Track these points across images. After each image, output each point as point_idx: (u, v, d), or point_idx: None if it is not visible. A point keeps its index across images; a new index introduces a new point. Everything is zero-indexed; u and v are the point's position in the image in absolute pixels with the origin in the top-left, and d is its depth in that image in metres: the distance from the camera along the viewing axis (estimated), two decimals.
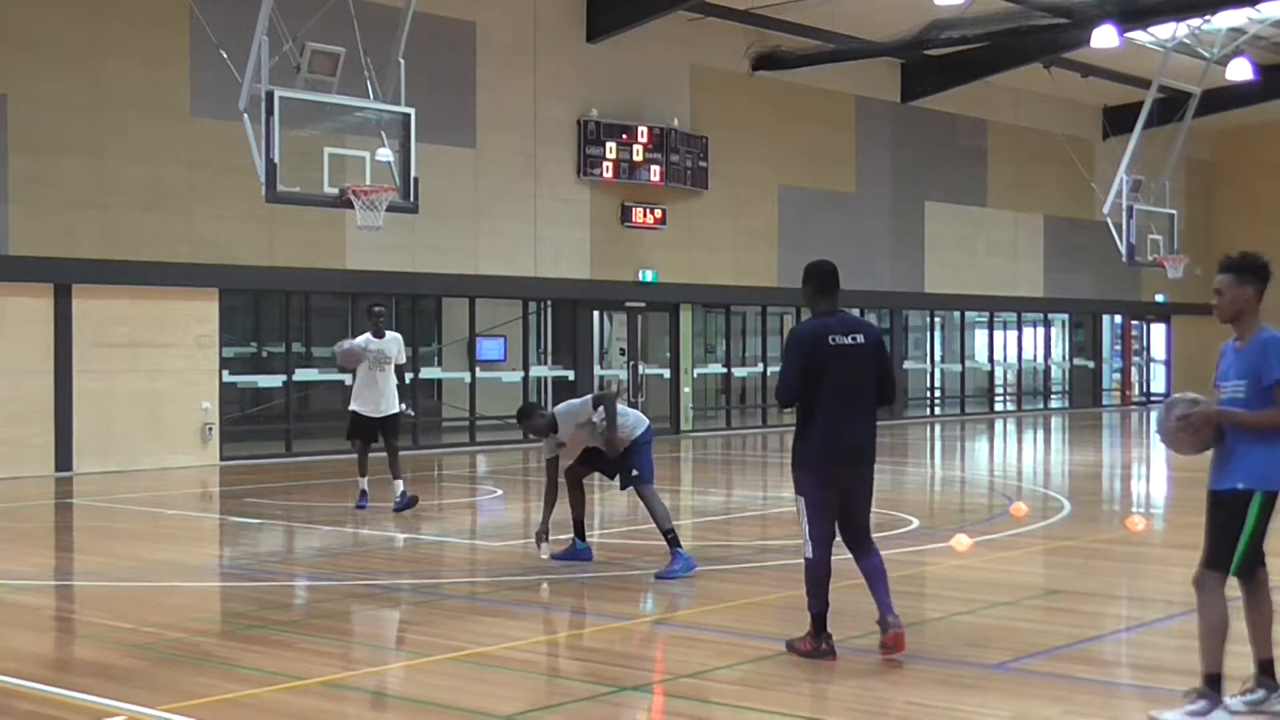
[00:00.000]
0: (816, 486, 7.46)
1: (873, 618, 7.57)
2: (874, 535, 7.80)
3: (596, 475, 10.96)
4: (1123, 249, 27.00)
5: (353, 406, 14.67)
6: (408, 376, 15.15)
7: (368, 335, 14.48)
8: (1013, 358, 34.92)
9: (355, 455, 14.84)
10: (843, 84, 28.82)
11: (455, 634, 8.27)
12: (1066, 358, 36.94)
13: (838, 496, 7.48)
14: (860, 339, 7.51)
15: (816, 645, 7.49)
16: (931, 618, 8.82)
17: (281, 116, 15.02)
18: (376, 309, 14.66)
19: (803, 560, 7.60)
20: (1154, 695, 6.91)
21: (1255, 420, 6.22)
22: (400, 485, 14.19)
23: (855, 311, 7.41)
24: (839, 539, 7.63)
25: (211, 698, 6.74)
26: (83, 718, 6.51)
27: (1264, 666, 6.37)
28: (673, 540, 10.10)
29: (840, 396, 7.38)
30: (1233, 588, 6.31)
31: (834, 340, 7.46)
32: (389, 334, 14.57)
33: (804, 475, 7.52)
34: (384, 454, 14.57)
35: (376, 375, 14.36)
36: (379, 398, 14.42)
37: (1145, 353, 38.88)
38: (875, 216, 29.85)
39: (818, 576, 7.51)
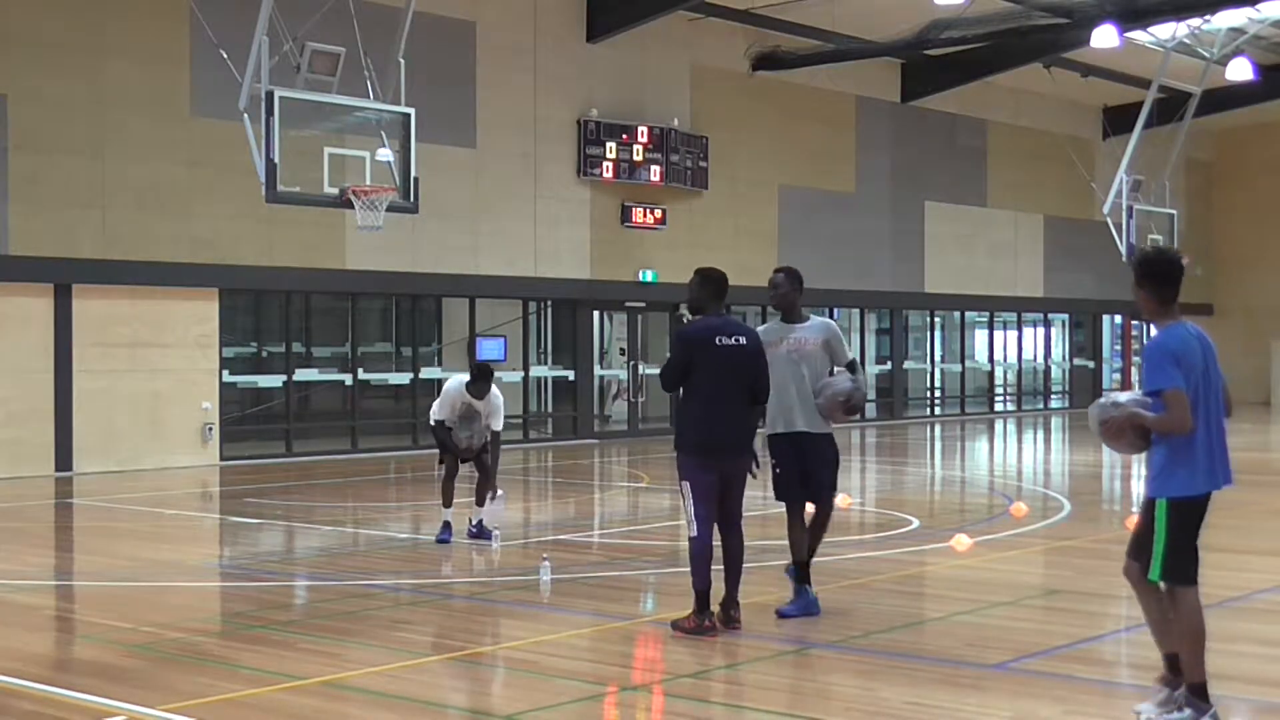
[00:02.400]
0: (698, 470, 8.12)
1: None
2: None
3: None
4: (1123, 249, 26.98)
5: (442, 415, 12.27)
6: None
7: (463, 383, 12.09)
8: (1013, 358, 34.93)
9: (433, 472, 13.07)
10: (843, 84, 28.82)
11: (455, 634, 8.27)
12: (1066, 358, 36.94)
13: (717, 481, 8.13)
14: (743, 341, 8.26)
15: (699, 622, 8.05)
16: (931, 618, 8.82)
17: (281, 116, 15.01)
18: (484, 364, 12.37)
19: (688, 541, 8.19)
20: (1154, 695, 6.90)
21: (1152, 424, 6.09)
22: (483, 514, 12.34)
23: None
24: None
25: (211, 698, 6.74)
26: (83, 718, 6.51)
27: (1192, 689, 6.15)
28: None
29: (721, 391, 8.12)
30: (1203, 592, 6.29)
31: (720, 341, 8.18)
32: (492, 394, 12.06)
33: (687, 460, 8.19)
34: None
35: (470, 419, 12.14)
36: (472, 435, 12.16)
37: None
38: (875, 216, 29.84)
39: (702, 556, 8.07)
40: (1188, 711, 6.05)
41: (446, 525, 12.06)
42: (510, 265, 23.40)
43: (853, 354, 9.28)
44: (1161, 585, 6.22)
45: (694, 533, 8.13)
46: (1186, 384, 6.01)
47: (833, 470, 8.93)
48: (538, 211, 23.81)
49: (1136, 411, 6.13)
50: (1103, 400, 6.36)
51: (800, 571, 8.73)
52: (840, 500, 13.28)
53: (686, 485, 8.19)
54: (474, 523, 12.20)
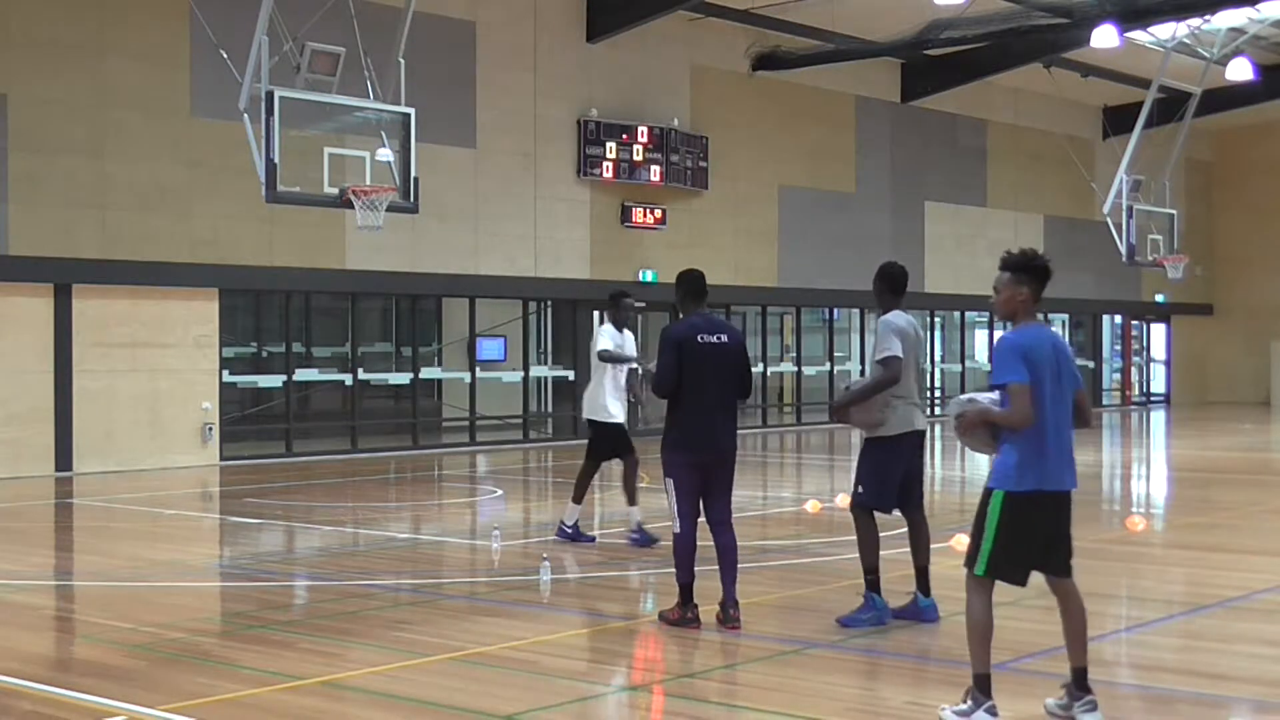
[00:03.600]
0: (683, 469, 8.27)
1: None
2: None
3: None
4: (1123, 249, 26.98)
5: (598, 415, 11.70)
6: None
7: (610, 329, 12.00)
8: None
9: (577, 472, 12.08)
10: (843, 84, 28.82)
11: (455, 634, 8.27)
12: None
13: (701, 479, 8.30)
14: (725, 339, 8.38)
15: (683, 614, 8.25)
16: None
17: (281, 116, 15.02)
18: (627, 299, 12.45)
19: (672, 536, 8.40)
20: (1154, 695, 6.92)
21: (998, 419, 6.23)
22: (638, 514, 11.71)
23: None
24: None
25: (211, 698, 6.74)
26: (83, 718, 6.51)
27: (1076, 675, 6.23)
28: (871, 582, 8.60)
29: (706, 389, 8.25)
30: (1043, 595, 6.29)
31: (702, 339, 8.31)
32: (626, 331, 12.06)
33: (672, 458, 8.32)
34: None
35: (619, 375, 11.84)
36: (622, 406, 11.78)
37: (1145, 353, 38.88)
38: (875, 216, 29.84)
39: (685, 549, 8.28)
40: (965, 705, 6.11)
41: (575, 528, 11.69)
42: (510, 265, 23.40)
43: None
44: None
45: (677, 529, 8.29)
46: (1033, 381, 6.13)
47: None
48: (538, 211, 23.81)
49: (987, 408, 6.29)
50: (960, 397, 6.54)
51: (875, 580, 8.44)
52: (840, 500, 13.30)
53: (670, 482, 8.34)
54: (636, 525, 11.55)
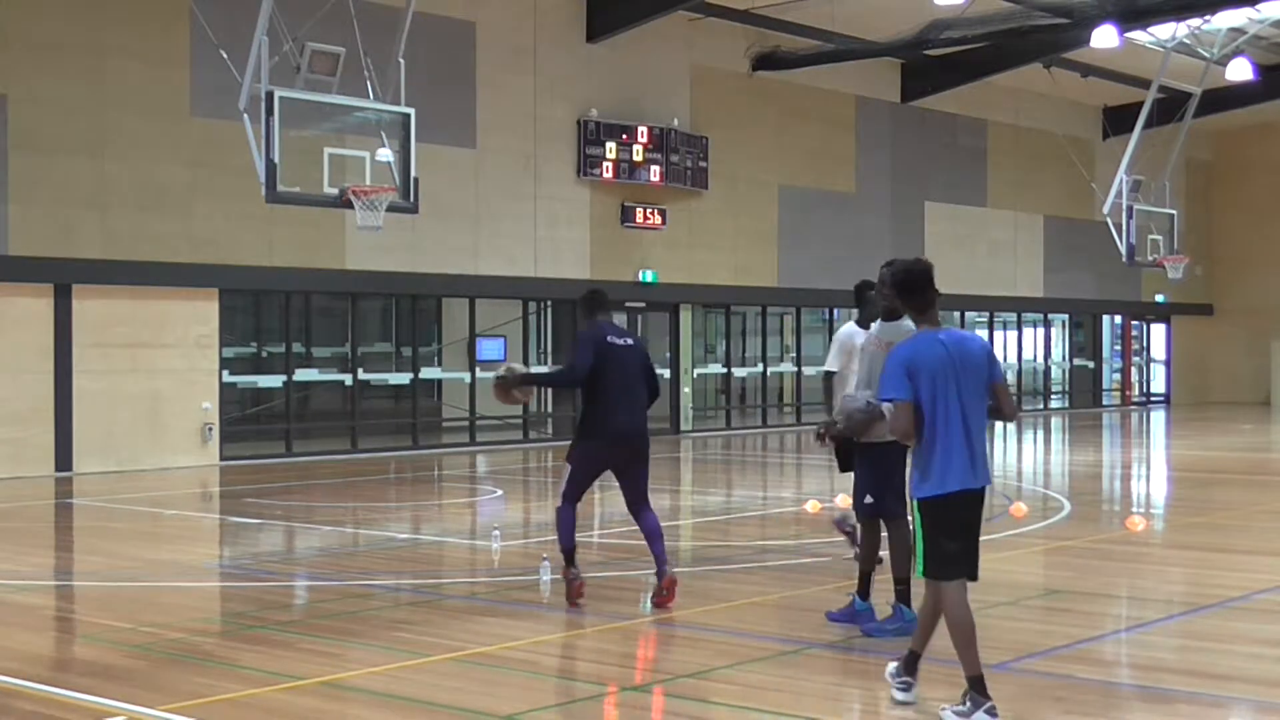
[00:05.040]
0: (586, 460, 9.18)
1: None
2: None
3: None
4: (1123, 249, 26.98)
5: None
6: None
7: (852, 324, 9.60)
8: (1012, 358, 34.90)
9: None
10: (843, 84, 28.82)
11: (455, 634, 8.27)
12: (1066, 358, 36.94)
13: (600, 470, 9.25)
14: (630, 342, 9.37)
15: (564, 572, 9.18)
16: None
17: (281, 116, 15.03)
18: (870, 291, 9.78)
19: (555, 509, 9.29)
20: (1154, 695, 6.92)
21: (890, 428, 6.54)
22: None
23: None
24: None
25: (211, 698, 6.74)
26: (83, 718, 6.51)
27: (970, 681, 6.24)
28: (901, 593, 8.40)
29: (617, 387, 9.07)
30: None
31: (611, 340, 9.21)
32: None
33: (580, 448, 9.20)
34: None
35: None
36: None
37: (1145, 353, 38.89)
38: (875, 216, 29.84)
39: (565, 522, 9.18)
40: (964, 706, 6.19)
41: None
42: (510, 265, 23.40)
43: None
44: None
45: (559, 503, 9.20)
46: (923, 393, 6.29)
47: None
48: (538, 211, 23.81)
49: (881, 415, 6.65)
50: (853, 393, 6.97)
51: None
52: (839, 500, 13.29)
53: (570, 468, 9.21)
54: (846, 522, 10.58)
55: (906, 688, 6.55)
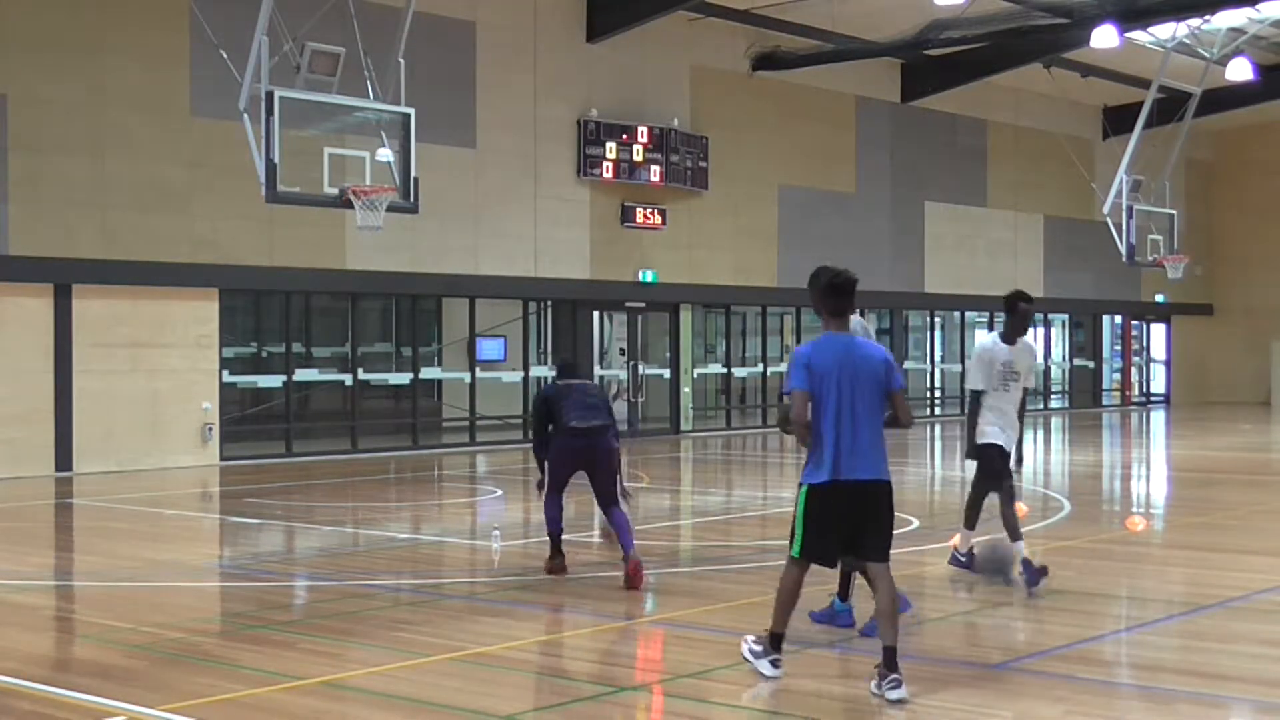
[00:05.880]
0: (558, 463, 10.23)
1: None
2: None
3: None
4: (1123, 249, 26.98)
5: (991, 438, 9.78)
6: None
7: (995, 337, 9.92)
8: None
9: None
10: (843, 84, 28.82)
11: (455, 634, 8.27)
12: (1066, 358, 36.93)
13: (572, 471, 10.23)
14: (589, 383, 10.56)
15: (552, 558, 10.29)
16: (931, 618, 8.82)
17: (281, 116, 15.02)
18: (1023, 304, 9.79)
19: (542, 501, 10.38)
20: (1154, 695, 6.92)
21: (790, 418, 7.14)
22: (1024, 548, 9.80)
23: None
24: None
25: (211, 698, 6.74)
26: (83, 718, 6.51)
27: (885, 654, 6.68)
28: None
29: (570, 402, 10.14)
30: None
31: (561, 384, 10.31)
32: (1024, 340, 9.90)
33: (553, 452, 10.22)
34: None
35: (1004, 393, 9.78)
36: (1010, 424, 9.85)
37: (1145, 353, 38.88)
38: (875, 216, 29.85)
39: (546, 510, 10.33)
40: (757, 647, 7.02)
41: (972, 552, 9.89)
42: (510, 265, 23.40)
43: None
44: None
45: (544, 499, 10.40)
46: (816, 387, 6.92)
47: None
48: (538, 211, 23.81)
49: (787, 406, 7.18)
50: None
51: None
52: None
53: (548, 465, 10.29)
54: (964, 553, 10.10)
55: (776, 664, 7.06)
